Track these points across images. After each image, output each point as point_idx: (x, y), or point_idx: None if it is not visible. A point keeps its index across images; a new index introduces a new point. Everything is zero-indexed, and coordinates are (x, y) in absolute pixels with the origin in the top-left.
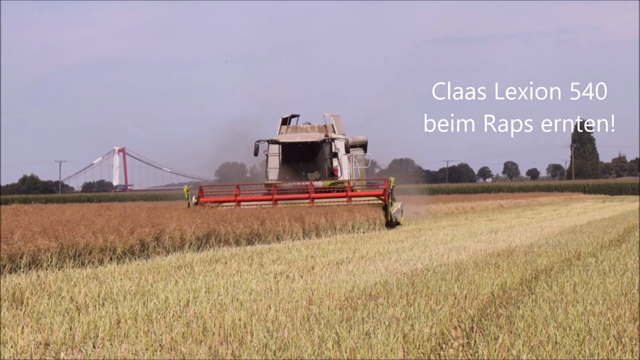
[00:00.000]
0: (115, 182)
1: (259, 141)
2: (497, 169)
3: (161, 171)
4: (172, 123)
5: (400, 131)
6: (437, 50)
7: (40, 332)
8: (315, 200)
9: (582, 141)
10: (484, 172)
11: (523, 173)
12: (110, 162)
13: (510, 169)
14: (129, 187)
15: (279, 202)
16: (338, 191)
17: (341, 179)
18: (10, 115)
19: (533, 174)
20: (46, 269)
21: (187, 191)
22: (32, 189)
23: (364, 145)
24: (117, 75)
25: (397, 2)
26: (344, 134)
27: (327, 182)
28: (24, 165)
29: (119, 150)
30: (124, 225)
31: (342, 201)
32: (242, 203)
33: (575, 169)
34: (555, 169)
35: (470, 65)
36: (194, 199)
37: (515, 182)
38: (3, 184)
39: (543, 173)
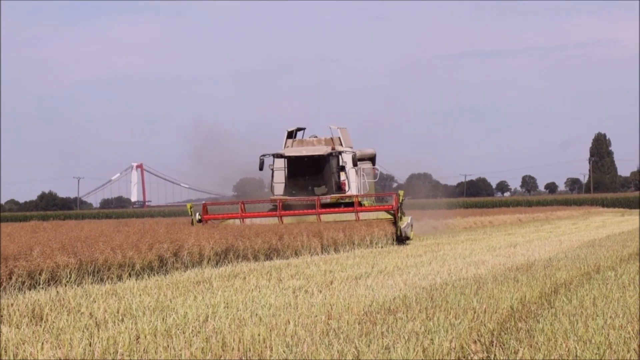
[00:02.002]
0: (134, 199)
1: (263, 155)
2: (515, 183)
3: (179, 187)
4: (187, 138)
5: (416, 145)
6: (450, 65)
7: (59, 348)
8: (323, 216)
9: (601, 155)
10: (502, 186)
11: (541, 187)
12: (128, 178)
13: (529, 183)
14: (147, 203)
15: (284, 218)
16: (346, 206)
17: (349, 193)
18: (27, 132)
19: (551, 187)
20: (65, 285)
21: (190, 208)
22: (51, 206)
23: (372, 159)
24: (133, 91)
25: (409, 17)
26: (351, 147)
27: (335, 197)
28: (41, 181)
29: (137, 167)
30: (142, 241)
31: (350, 216)
32: (247, 220)
33: (593, 183)
34: (573, 183)
35: (483, 79)
36: (197, 216)
37: (533, 196)
38: (21, 200)
39: (561, 187)
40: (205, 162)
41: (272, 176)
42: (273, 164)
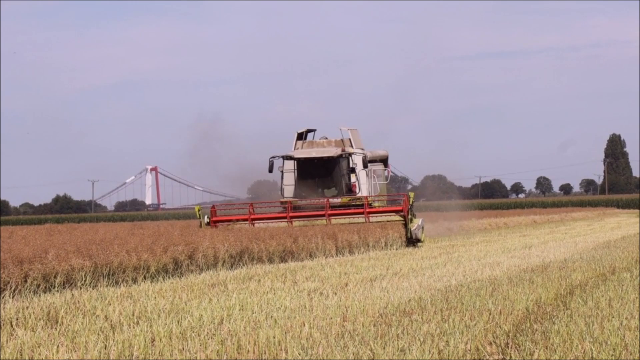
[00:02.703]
0: (148, 201)
1: (273, 157)
2: (529, 185)
3: (193, 189)
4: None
5: (431, 147)
6: (465, 66)
7: (75, 351)
8: (332, 218)
9: (615, 156)
10: (517, 188)
11: (556, 188)
12: (143, 181)
13: (543, 184)
14: (161, 206)
15: (294, 220)
16: (356, 207)
17: (359, 195)
18: (42, 135)
19: (566, 189)
20: (80, 288)
21: (199, 211)
22: (65, 209)
23: (384, 160)
24: (147, 93)
25: (424, 18)
26: (362, 149)
27: (345, 199)
28: (56, 184)
29: (151, 169)
30: (157, 244)
31: (360, 218)
32: (256, 221)
33: (608, 184)
34: (588, 184)
35: (500, 81)
36: (206, 219)
37: (548, 198)
38: (36, 203)
39: (576, 188)
40: (203, 158)
41: (282, 178)
42: (283, 166)
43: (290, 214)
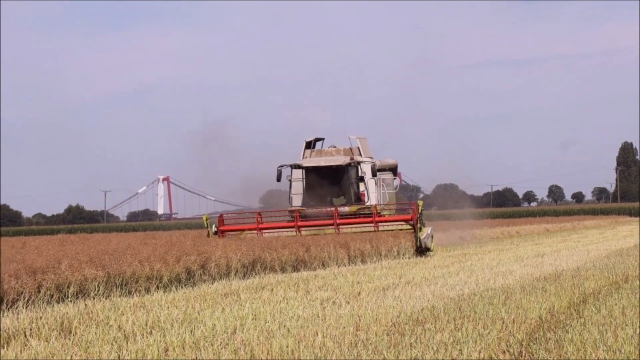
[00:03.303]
0: (160, 211)
1: (281, 166)
2: (541, 193)
3: (205, 199)
4: (212, 150)
5: (442, 155)
6: (476, 73)
7: None
8: (341, 227)
9: (627, 164)
10: (529, 196)
11: (568, 197)
12: (155, 190)
13: (555, 192)
14: (173, 216)
15: (302, 229)
16: (364, 216)
17: (368, 203)
18: (54, 144)
19: (578, 197)
20: (93, 298)
21: (207, 220)
22: (78, 219)
23: (393, 169)
24: (158, 102)
25: (434, 26)
26: (371, 157)
27: (354, 208)
28: (68, 194)
29: (163, 179)
30: (170, 254)
31: (369, 227)
32: (265, 231)
33: (620, 192)
34: (600, 192)
35: (509, 88)
36: (213, 228)
37: (560, 206)
38: (49, 214)
39: (588, 196)
40: (212, 167)
41: (290, 187)
42: (291, 175)
43: (299, 223)
